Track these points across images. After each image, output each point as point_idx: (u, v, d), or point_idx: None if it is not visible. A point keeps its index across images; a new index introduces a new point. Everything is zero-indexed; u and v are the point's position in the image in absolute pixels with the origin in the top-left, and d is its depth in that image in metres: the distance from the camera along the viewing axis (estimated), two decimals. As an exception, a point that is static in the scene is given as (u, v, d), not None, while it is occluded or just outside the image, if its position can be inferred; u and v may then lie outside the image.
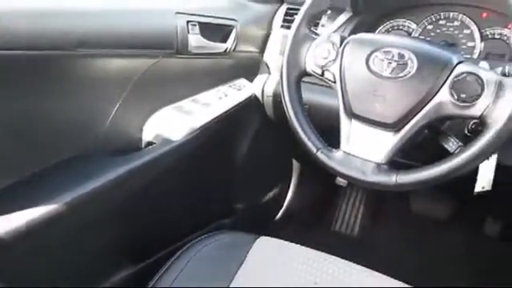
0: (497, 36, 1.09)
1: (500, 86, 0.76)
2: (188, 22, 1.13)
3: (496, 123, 0.75)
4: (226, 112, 1.25)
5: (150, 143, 1.14)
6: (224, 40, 1.26)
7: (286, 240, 1.00)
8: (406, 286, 0.88)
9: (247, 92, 1.34)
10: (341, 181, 1.67)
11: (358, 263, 0.94)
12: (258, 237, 1.00)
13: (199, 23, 1.16)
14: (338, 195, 1.89)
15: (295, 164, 1.79)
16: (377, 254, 1.55)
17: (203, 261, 0.94)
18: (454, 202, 1.70)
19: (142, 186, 1.09)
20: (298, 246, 0.99)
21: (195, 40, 1.14)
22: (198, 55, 1.18)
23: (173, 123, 1.15)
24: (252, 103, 1.36)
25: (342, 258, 0.95)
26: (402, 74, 0.83)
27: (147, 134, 1.15)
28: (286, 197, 1.81)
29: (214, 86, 1.29)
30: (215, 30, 1.23)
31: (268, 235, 1.01)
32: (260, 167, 1.58)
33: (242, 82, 1.37)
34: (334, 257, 0.95)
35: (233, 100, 1.29)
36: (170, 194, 1.23)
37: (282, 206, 1.80)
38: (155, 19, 1.08)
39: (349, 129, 0.90)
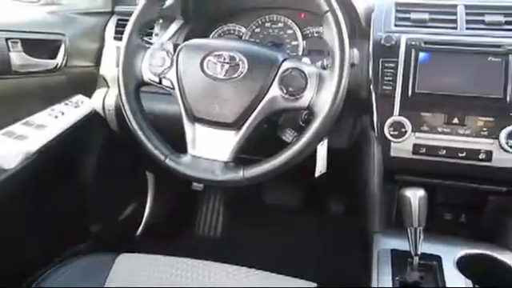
0: (315, 34, 1.21)
1: (320, 78, 0.85)
2: (7, 39, 1.04)
3: (321, 111, 0.84)
4: (64, 131, 1.19)
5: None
6: (53, 56, 1.19)
7: (150, 253, 0.98)
8: (273, 274, 0.94)
9: (86, 108, 1.29)
10: (197, 185, 1.70)
11: (225, 262, 0.96)
12: (117, 255, 0.97)
13: (21, 40, 1.08)
14: (197, 200, 1.91)
15: (149, 175, 1.76)
16: (242, 249, 1.61)
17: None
18: (302, 189, 1.84)
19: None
20: (161, 256, 0.98)
21: (19, 58, 1.06)
22: (24, 74, 1.09)
23: (4, 151, 1.05)
24: (93, 119, 1.30)
25: (209, 260, 0.96)
26: (235, 75, 0.88)
27: (-25, 167, 1.03)
28: (144, 210, 1.77)
29: (47, 105, 1.21)
30: (41, 46, 1.16)
31: (130, 252, 0.99)
32: (112, 184, 1.52)
33: (80, 98, 1.31)
34: (198, 260, 0.96)
35: (71, 118, 1.22)
36: (13, 226, 1.12)
37: (141, 220, 1.75)
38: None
39: (193, 132, 0.92)
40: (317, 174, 1.06)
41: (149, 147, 0.94)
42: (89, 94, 1.34)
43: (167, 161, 0.93)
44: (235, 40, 1.21)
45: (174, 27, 1.24)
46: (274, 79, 0.87)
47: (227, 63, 0.89)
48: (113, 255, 0.97)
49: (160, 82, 0.95)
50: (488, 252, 0.99)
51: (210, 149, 0.91)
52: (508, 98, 0.97)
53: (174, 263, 0.95)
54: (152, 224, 1.77)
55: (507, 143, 0.97)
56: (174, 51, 0.94)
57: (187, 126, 0.93)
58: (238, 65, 0.88)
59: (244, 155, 0.91)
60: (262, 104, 0.87)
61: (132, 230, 1.71)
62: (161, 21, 1.26)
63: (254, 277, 0.92)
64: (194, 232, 1.85)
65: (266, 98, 0.87)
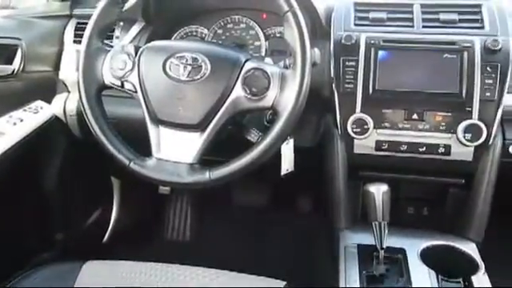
0: (278, 35, 1.22)
1: (283, 78, 0.86)
2: (-40, 44, 1.01)
3: (285, 110, 0.85)
4: (24, 138, 1.15)
5: None
6: (9, 61, 1.16)
7: (117, 259, 0.97)
8: (243, 274, 0.94)
9: (46, 114, 1.26)
10: (163, 189, 1.68)
11: (195, 265, 0.96)
12: (83, 263, 0.95)
13: (-28, 45, 1.04)
14: (165, 204, 1.89)
15: (115, 181, 1.73)
16: (212, 251, 1.60)
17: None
18: (271, 189, 1.85)
19: None
20: (129, 262, 0.96)
21: (-29, 64, 1.03)
22: (-23, 81, 1.06)
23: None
24: (54, 125, 1.27)
25: (179, 263, 0.96)
26: (198, 77, 0.88)
27: None
28: (110, 216, 1.74)
29: (4, 112, 1.18)
30: (-4, 52, 1.12)
31: (97, 259, 0.97)
32: (77, 191, 1.49)
33: (39, 103, 1.27)
34: (166, 264, 0.95)
35: (30, 124, 1.19)
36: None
37: (108, 226, 1.72)
38: None
39: (157, 135, 0.91)
40: (282, 173, 1.07)
41: (112, 152, 0.93)
42: (48, 100, 1.30)
43: (131, 165, 0.92)
44: (197, 41, 1.20)
45: (135, 29, 1.22)
46: (236, 80, 0.87)
47: (190, 65, 0.88)
48: (79, 263, 0.95)
49: (122, 86, 0.94)
50: (450, 243, 1.02)
51: (175, 151, 0.90)
52: (464, 94, 1.00)
53: (141, 268, 0.94)
54: (119, 230, 1.74)
55: (464, 137, 1.00)
56: (136, 54, 0.93)
57: (151, 128, 0.92)
58: (201, 66, 0.88)
59: (210, 157, 0.91)
60: (225, 105, 0.87)
61: (99, 237, 1.68)
62: (121, 23, 1.25)
63: (223, 277, 0.92)
64: (162, 236, 1.83)
65: (230, 98, 0.87)
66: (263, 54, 1.22)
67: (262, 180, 1.66)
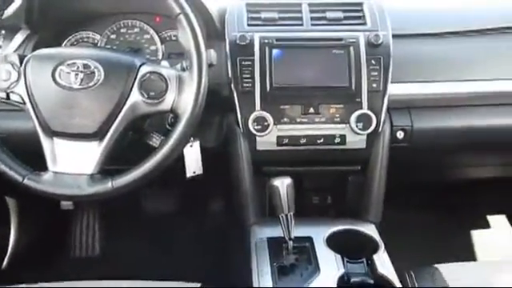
0: (173, 37, 1.21)
1: (181, 80, 0.86)
2: None
3: (185, 113, 0.85)
4: None
5: None
6: None
7: (19, 284, 0.91)
8: (156, 282, 0.92)
9: None
10: (65, 204, 1.60)
11: (108, 278, 0.92)
12: None
13: None
14: (69, 220, 1.80)
15: (10, 201, 1.61)
16: (124, 262, 1.56)
17: None
18: (181, 193, 1.84)
19: None
20: (32, 285, 0.91)
21: None
22: None
23: None
24: None
25: (89, 279, 0.92)
26: (91, 84, 0.85)
27: None
28: (8, 240, 1.61)
29: None
30: None
31: None
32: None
33: None
34: (71, 282, 0.91)
35: None
36: None
37: (6, 250, 1.60)
38: None
39: (52, 148, 0.87)
40: (188, 175, 1.07)
41: (3, 169, 0.87)
42: None
43: (26, 181, 0.86)
44: (89, 48, 1.15)
45: (19, 38, 1.14)
46: (133, 85, 0.86)
47: (81, 72, 0.85)
48: None
49: (8, 98, 0.88)
50: (352, 226, 1.08)
51: (73, 163, 0.87)
52: (353, 86, 1.07)
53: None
54: (19, 253, 1.62)
55: (357, 126, 1.07)
56: (21, 63, 0.88)
57: (44, 141, 0.87)
58: (94, 73, 0.86)
59: (113, 166, 0.89)
60: (123, 111, 0.86)
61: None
62: (3, 31, 1.16)
63: (136, 286, 0.90)
64: (69, 254, 1.74)
65: (127, 104, 0.86)
66: (160, 57, 1.20)
67: (170, 185, 1.65)
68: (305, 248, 1.01)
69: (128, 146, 0.95)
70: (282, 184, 0.94)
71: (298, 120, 1.08)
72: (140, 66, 0.88)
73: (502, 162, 1.45)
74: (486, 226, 1.80)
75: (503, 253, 1.69)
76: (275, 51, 1.08)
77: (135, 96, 0.86)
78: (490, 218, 1.81)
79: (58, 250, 1.74)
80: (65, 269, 1.60)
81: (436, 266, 1.01)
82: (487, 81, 1.17)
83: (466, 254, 1.68)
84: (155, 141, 0.94)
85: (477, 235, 1.75)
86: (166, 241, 1.73)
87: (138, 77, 0.86)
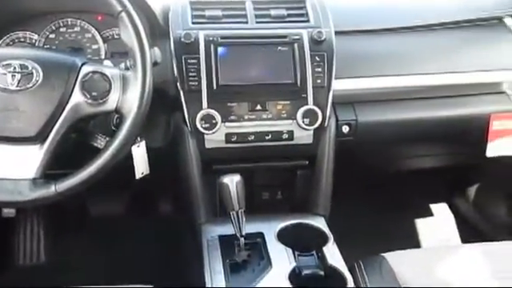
0: (116, 36, 1.18)
1: (125, 80, 0.85)
2: None
3: (130, 112, 0.84)
4: None
5: None
6: None
7: None
8: (108, 286, 0.90)
9: None
10: (7, 212, 1.52)
11: (55, 286, 0.89)
12: None
13: None
14: (12, 228, 1.72)
15: None
16: (72, 269, 1.51)
17: None
18: (130, 195, 1.80)
19: None
20: None
21: None
22: None
23: None
24: None
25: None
26: (30, 85, 0.82)
27: None
28: None
29: None
30: None
31: None
32: None
33: None
34: None
35: None
36: None
37: None
38: None
39: None
40: (137, 176, 1.05)
41: None
42: None
43: None
44: (25, 47, 1.11)
45: None
46: (74, 85, 0.84)
47: (18, 73, 0.82)
48: None
49: None
50: (302, 220, 1.10)
51: (13, 168, 0.83)
52: (299, 82, 1.09)
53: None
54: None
55: (303, 122, 1.09)
56: None
57: None
58: (32, 73, 0.82)
59: (58, 170, 0.86)
60: (65, 112, 0.83)
61: None
62: None
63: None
64: (13, 262, 1.66)
65: (69, 105, 0.83)
66: (102, 56, 1.17)
67: (119, 187, 1.61)
68: (256, 244, 1.02)
69: (72, 149, 0.93)
70: (232, 181, 0.95)
71: (246, 117, 1.08)
72: (81, 65, 0.85)
73: (442, 152, 1.52)
74: (429, 214, 1.88)
75: (445, 238, 1.78)
76: (220, 49, 1.08)
77: (77, 97, 0.83)
78: (433, 207, 1.90)
79: (2, 259, 1.66)
80: (9, 278, 1.53)
81: (383, 254, 1.04)
82: (426, 75, 1.22)
83: (412, 241, 1.75)
84: (100, 142, 0.92)
85: (421, 223, 1.83)
86: (116, 244, 1.69)
87: (80, 77, 0.84)
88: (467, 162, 1.62)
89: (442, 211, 1.89)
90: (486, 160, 1.29)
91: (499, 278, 0.96)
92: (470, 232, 1.78)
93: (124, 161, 0.91)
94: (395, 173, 1.65)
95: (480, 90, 1.28)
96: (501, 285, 0.95)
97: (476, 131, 1.27)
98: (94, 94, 0.84)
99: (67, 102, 0.83)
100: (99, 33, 1.18)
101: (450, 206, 1.89)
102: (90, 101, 0.84)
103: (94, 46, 1.18)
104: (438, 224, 1.85)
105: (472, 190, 1.85)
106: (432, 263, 1.02)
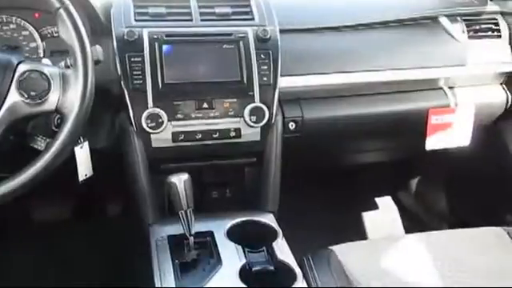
0: (55, 34, 1.14)
1: (65, 78, 0.82)
2: None
3: (71, 112, 0.81)
4: None
5: None
6: None
7: None
8: None
9: None
10: None
11: None
12: None
13: None
14: None
15: None
16: (13, 277, 1.46)
17: None
18: (74, 198, 1.74)
19: None
20: None
21: None
22: None
23: None
24: None
25: None
26: None
27: None
28: None
29: None
30: None
31: None
32: None
33: None
34: None
35: None
36: None
37: None
38: None
39: None
40: (81, 179, 1.02)
41: None
42: None
43: None
44: None
45: None
46: (10, 85, 0.80)
47: None
48: None
49: None
50: (251, 218, 1.11)
51: None
52: (245, 80, 1.09)
53: None
54: None
55: (250, 119, 1.10)
56: None
57: None
58: None
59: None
60: (0, 113, 0.79)
61: None
62: None
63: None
64: None
65: (5, 105, 0.80)
66: (41, 55, 1.12)
67: (63, 190, 1.56)
68: (206, 243, 1.02)
69: (11, 151, 0.89)
70: (180, 180, 0.93)
71: (193, 115, 1.08)
72: (18, 64, 0.82)
73: (385, 147, 1.58)
74: (375, 207, 1.95)
75: (390, 230, 1.85)
76: (165, 47, 1.06)
77: (14, 96, 0.80)
78: (378, 200, 1.96)
79: None
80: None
81: (331, 247, 1.07)
82: (369, 72, 1.26)
83: (358, 234, 1.81)
84: (40, 144, 0.89)
85: (366, 216, 1.89)
86: (62, 249, 1.63)
87: (16, 76, 0.80)
88: (408, 156, 1.69)
89: (386, 204, 1.96)
90: (425, 153, 1.35)
91: (438, 265, 1.01)
92: (413, 223, 1.86)
93: (67, 163, 0.88)
94: (341, 168, 1.69)
95: (419, 87, 1.34)
96: (440, 272, 0.99)
97: (416, 126, 1.32)
98: (32, 93, 0.80)
99: (3, 103, 0.79)
100: (37, 30, 1.13)
101: (394, 199, 1.96)
102: (27, 101, 0.80)
103: (32, 44, 1.13)
104: (382, 216, 1.91)
105: (414, 183, 1.94)
106: (377, 254, 1.06)
